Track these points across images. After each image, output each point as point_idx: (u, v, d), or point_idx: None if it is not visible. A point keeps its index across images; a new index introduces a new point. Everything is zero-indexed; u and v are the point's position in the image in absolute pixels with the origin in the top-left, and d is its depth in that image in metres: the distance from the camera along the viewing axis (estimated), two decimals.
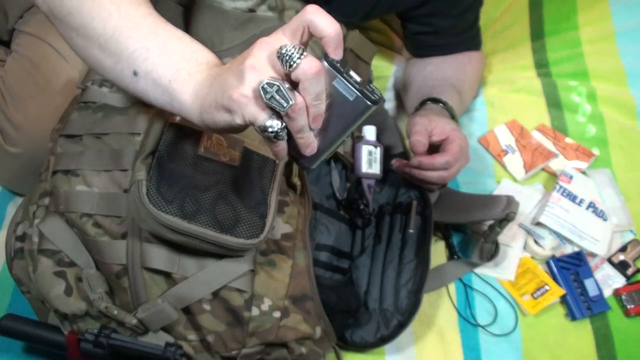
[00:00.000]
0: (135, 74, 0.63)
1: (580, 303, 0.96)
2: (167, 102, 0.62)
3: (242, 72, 0.54)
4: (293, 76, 0.53)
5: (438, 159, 0.93)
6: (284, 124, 0.55)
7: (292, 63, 0.52)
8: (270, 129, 0.55)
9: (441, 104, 1.04)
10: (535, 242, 1.03)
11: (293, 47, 0.53)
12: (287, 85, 0.53)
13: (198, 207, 0.69)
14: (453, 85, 1.11)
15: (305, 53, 0.53)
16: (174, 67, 0.61)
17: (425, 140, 0.94)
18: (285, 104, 0.53)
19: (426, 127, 0.96)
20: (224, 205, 0.71)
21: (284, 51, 0.52)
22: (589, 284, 0.98)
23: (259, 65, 0.54)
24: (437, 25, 1.11)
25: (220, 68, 0.59)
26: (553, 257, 1.02)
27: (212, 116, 0.58)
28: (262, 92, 0.53)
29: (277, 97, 0.53)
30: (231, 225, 0.70)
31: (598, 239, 1.04)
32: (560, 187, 1.06)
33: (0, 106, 1.03)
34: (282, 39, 0.55)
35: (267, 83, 0.53)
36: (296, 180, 0.84)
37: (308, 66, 0.52)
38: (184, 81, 0.60)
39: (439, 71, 1.15)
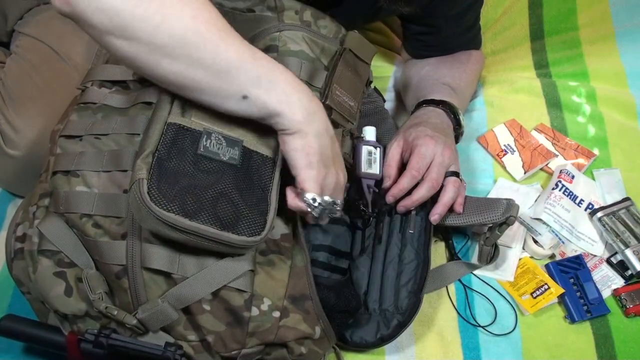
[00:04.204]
0: (244, 97, 0.71)
1: (580, 306, 0.96)
2: (263, 117, 0.73)
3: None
4: None
5: (403, 182, 0.94)
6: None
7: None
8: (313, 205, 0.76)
9: (433, 105, 1.04)
10: (535, 241, 1.03)
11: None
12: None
13: (199, 205, 0.69)
14: (446, 83, 1.11)
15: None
16: (285, 92, 0.72)
17: (393, 171, 0.96)
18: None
19: (394, 155, 0.97)
20: (225, 203, 0.71)
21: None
22: (588, 287, 0.98)
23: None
24: (438, 25, 1.11)
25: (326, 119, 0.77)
26: (552, 259, 1.02)
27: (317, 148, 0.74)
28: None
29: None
30: (232, 222, 0.70)
31: (595, 240, 1.04)
32: (563, 185, 1.06)
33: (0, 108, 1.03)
34: None
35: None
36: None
37: None
38: (296, 105, 0.72)
39: (435, 71, 1.15)
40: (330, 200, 0.77)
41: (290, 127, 0.73)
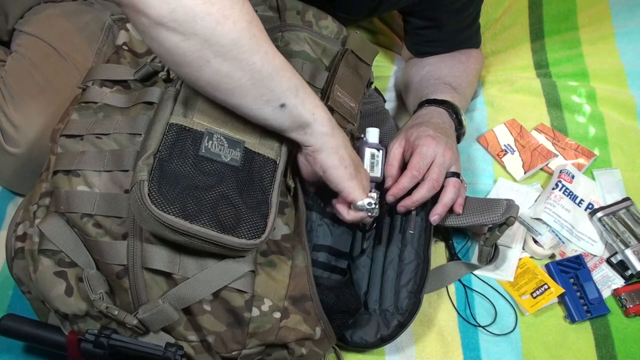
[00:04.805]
0: (282, 105, 0.73)
1: (580, 306, 0.96)
2: (292, 128, 0.76)
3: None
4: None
5: (403, 182, 0.94)
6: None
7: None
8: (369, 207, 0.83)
9: (435, 104, 1.04)
10: (535, 241, 1.03)
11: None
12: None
13: (200, 208, 0.69)
14: (447, 83, 1.11)
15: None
16: (314, 104, 0.76)
17: (394, 171, 0.97)
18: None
19: (395, 154, 0.97)
20: (225, 206, 0.71)
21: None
22: (588, 287, 0.98)
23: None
24: (439, 19, 1.11)
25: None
26: (552, 259, 1.02)
27: (339, 158, 0.78)
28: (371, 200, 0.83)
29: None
30: (233, 225, 0.70)
31: (595, 240, 1.04)
32: (563, 185, 1.06)
33: (0, 106, 1.03)
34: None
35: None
36: (291, 183, 0.84)
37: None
38: (324, 118, 0.77)
39: (436, 71, 1.15)
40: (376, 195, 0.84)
41: (316, 141, 0.77)
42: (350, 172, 0.79)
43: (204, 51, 0.67)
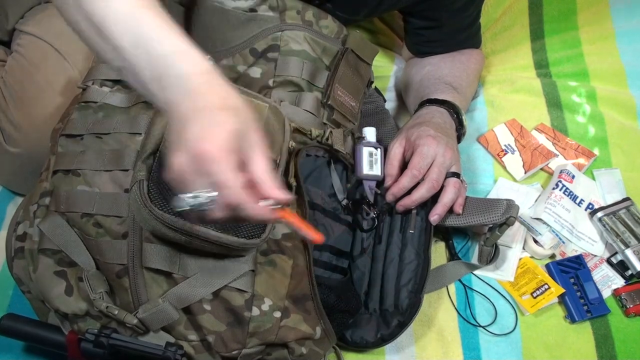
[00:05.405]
0: (120, 70, 0.64)
1: (580, 306, 0.96)
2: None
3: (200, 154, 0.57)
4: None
5: (403, 181, 0.94)
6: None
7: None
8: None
9: (436, 104, 1.04)
10: (535, 241, 1.03)
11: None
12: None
13: None
14: (448, 83, 1.11)
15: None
16: (150, 75, 0.61)
17: (395, 170, 0.96)
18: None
19: (396, 154, 0.97)
20: None
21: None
22: (588, 287, 0.98)
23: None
24: (439, 19, 1.11)
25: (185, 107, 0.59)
26: (553, 259, 1.02)
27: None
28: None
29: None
30: (233, 224, 0.70)
31: (596, 239, 1.04)
32: (563, 185, 1.06)
33: (1, 106, 1.03)
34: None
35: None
36: (292, 181, 0.84)
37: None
38: (159, 98, 0.61)
39: (436, 70, 1.15)
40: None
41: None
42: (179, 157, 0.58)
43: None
